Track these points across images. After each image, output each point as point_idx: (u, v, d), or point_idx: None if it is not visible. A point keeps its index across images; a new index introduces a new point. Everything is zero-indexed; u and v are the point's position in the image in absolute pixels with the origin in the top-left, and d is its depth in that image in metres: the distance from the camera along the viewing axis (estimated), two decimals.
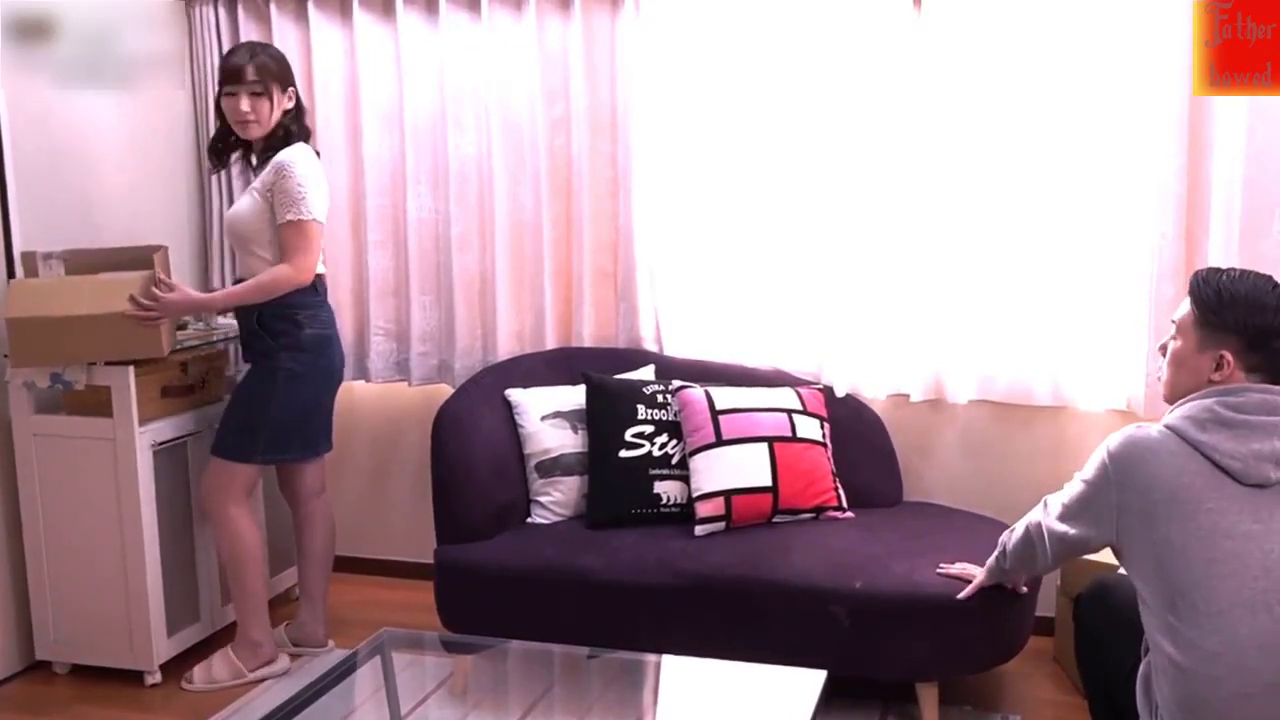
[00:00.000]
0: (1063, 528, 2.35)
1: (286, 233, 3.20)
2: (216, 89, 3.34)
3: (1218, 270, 2.28)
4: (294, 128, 3.31)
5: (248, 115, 3.23)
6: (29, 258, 3.28)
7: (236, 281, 3.35)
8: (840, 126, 3.53)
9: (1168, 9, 3.18)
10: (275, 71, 3.27)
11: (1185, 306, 2.29)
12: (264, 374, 3.30)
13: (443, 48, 3.79)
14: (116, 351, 3.23)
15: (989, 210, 3.47)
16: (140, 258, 3.30)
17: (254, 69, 3.23)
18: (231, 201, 4.00)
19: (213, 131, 3.43)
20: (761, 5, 3.58)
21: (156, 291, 3.20)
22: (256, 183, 3.28)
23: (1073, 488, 2.33)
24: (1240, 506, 2.09)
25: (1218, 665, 2.04)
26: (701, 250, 3.78)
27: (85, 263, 3.32)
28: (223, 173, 4.01)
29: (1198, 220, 3.27)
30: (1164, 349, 2.33)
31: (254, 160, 3.37)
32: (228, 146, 3.39)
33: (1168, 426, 2.20)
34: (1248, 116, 3.16)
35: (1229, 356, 2.19)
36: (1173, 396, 2.28)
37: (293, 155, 3.24)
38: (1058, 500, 2.39)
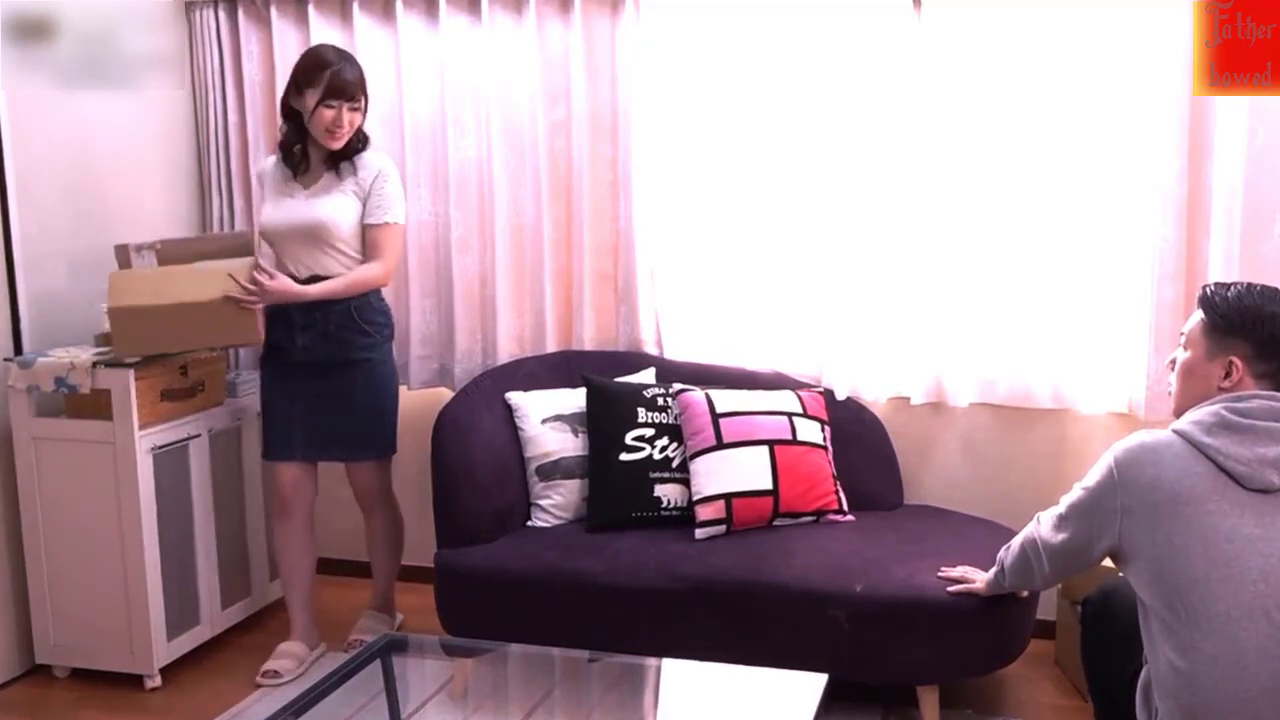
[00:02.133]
0: (1059, 537, 2.38)
1: (380, 234, 3.35)
2: (299, 92, 3.28)
3: (1225, 283, 2.32)
4: (364, 131, 3.40)
5: (343, 131, 3.29)
6: (122, 250, 3.28)
7: (309, 279, 3.34)
8: (840, 129, 3.53)
9: (1168, 13, 3.17)
10: (365, 84, 3.37)
11: (1194, 318, 2.31)
12: (379, 368, 3.44)
13: (443, 50, 3.79)
14: (215, 338, 3.34)
15: (989, 213, 3.47)
16: (232, 244, 3.34)
17: (360, 86, 3.31)
18: (232, 202, 4.03)
19: (280, 132, 3.40)
20: (762, 9, 3.57)
21: (258, 277, 3.22)
22: (349, 185, 3.34)
23: (1070, 496, 2.36)
24: (1242, 511, 2.09)
25: (1216, 669, 2.04)
26: (702, 253, 3.78)
27: (178, 253, 3.31)
28: (221, 173, 4.02)
29: (1198, 223, 3.27)
30: (1173, 364, 2.36)
31: (302, 163, 3.37)
32: (301, 149, 3.37)
33: (1175, 431, 2.21)
34: (1248, 119, 3.16)
35: (1238, 362, 2.21)
36: (1181, 409, 2.29)
37: (387, 162, 3.43)
38: (1051, 513, 2.43)
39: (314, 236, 3.33)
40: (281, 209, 3.37)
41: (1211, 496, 2.11)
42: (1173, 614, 2.09)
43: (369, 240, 3.36)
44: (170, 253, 3.31)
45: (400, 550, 3.71)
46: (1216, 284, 2.33)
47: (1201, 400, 2.23)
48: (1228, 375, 2.22)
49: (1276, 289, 2.27)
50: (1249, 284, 2.29)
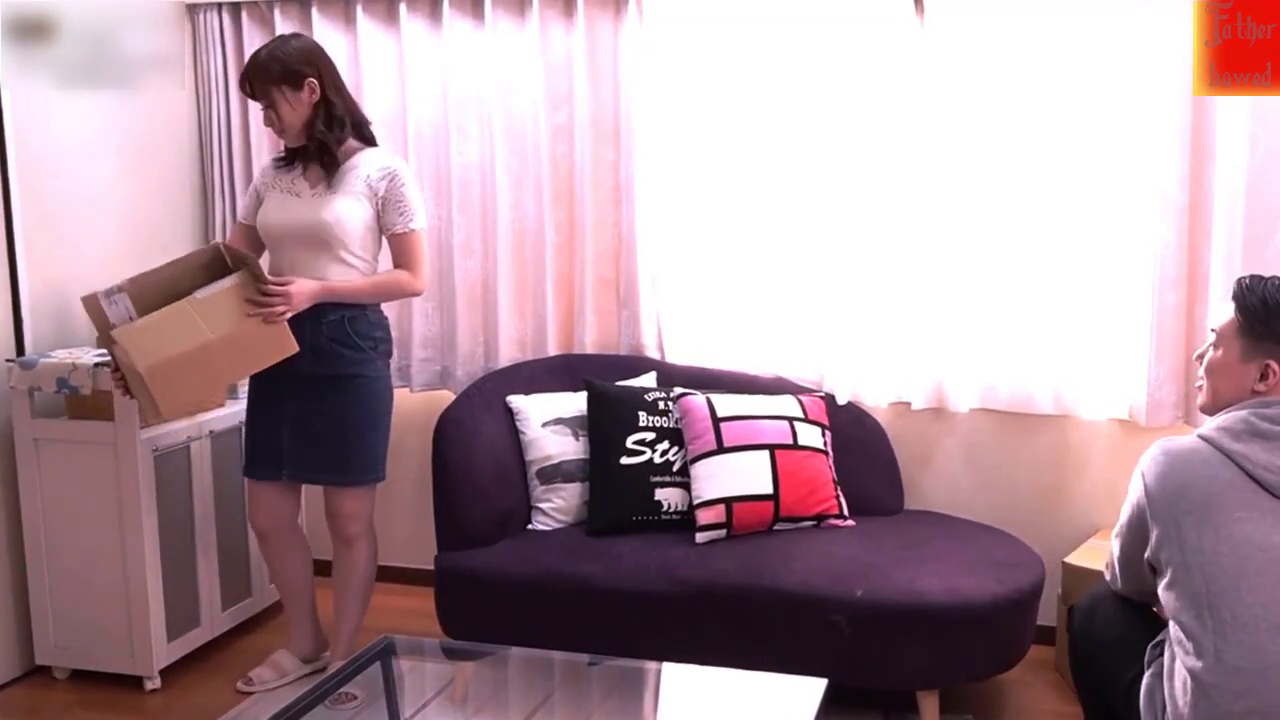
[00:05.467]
0: (1114, 550, 2.35)
1: (408, 241, 3.17)
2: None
3: (1261, 278, 2.22)
4: (348, 120, 3.18)
5: (280, 127, 3.13)
6: (91, 301, 2.97)
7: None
8: (843, 135, 3.53)
9: (1170, 18, 3.18)
10: (276, 74, 3.08)
11: (1226, 314, 2.24)
12: (361, 389, 3.19)
13: (446, 55, 3.80)
14: (256, 363, 3.04)
15: (991, 219, 3.47)
16: (202, 261, 3.06)
17: (251, 86, 3.10)
18: (234, 203, 4.02)
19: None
20: (764, 15, 3.58)
21: (275, 288, 2.98)
22: (357, 185, 3.13)
23: (1122, 511, 2.31)
24: (1274, 519, 2.06)
25: (1238, 680, 2.00)
26: (704, 257, 3.78)
27: (153, 286, 2.99)
28: (224, 175, 4.03)
29: (1200, 230, 3.27)
30: (1201, 358, 2.30)
31: (297, 160, 3.19)
32: (301, 151, 3.18)
33: (1201, 436, 2.17)
34: (1250, 125, 3.16)
35: (1275, 366, 2.16)
36: (1214, 408, 2.24)
37: (399, 163, 3.25)
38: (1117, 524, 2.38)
39: (317, 239, 3.11)
40: (283, 208, 3.16)
41: (1241, 505, 2.07)
42: (1199, 623, 2.05)
43: (397, 249, 3.18)
44: (144, 289, 2.98)
45: (371, 590, 3.43)
46: (1251, 278, 2.23)
47: (1234, 401, 2.19)
48: (1263, 378, 2.17)
49: None
50: None
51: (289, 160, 3.24)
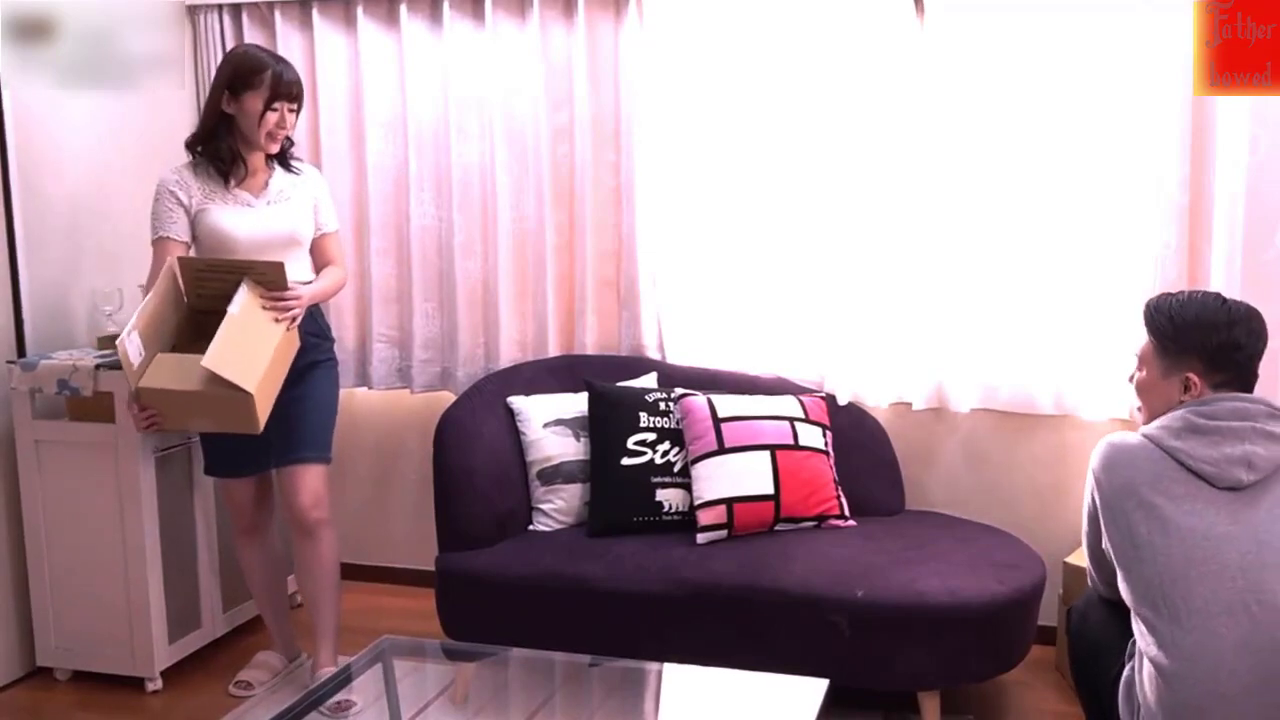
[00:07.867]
0: (1083, 545, 2.42)
1: (336, 239, 3.41)
2: (235, 95, 3.09)
3: (1166, 296, 2.36)
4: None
5: (284, 133, 3.19)
6: (120, 346, 2.86)
7: None
8: (843, 136, 3.53)
9: (1171, 19, 3.18)
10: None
11: (1143, 338, 2.36)
12: (330, 372, 3.34)
13: (446, 56, 3.80)
14: (289, 361, 3.11)
15: (992, 219, 3.48)
16: (173, 285, 3.02)
17: (302, 86, 3.22)
18: None
19: (198, 130, 3.18)
20: (765, 16, 3.58)
21: (291, 293, 3.07)
22: (304, 190, 3.26)
23: (1082, 510, 2.40)
24: (1216, 509, 2.14)
25: (1197, 666, 2.06)
26: (704, 258, 3.78)
27: (151, 324, 2.94)
28: None
29: (1200, 231, 3.27)
30: (1132, 378, 2.42)
31: (240, 168, 3.17)
32: (233, 154, 3.16)
33: (1144, 435, 2.26)
34: (1251, 127, 3.16)
35: (1194, 378, 2.26)
36: (1151, 422, 2.33)
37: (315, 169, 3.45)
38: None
39: (291, 244, 3.22)
40: (242, 218, 3.16)
41: (1185, 497, 2.15)
42: (1155, 613, 2.12)
43: (328, 247, 3.33)
44: (146, 325, 2.93)
45: (341, 583, 3.37)
46: (1157, 299, 2.36)
47: (1166, 413, 2.28)
48: (1187, 390, 2.27)
49: (1217, 295, 2.32)
50: (1189, 294, 2.33)
51: (215, 170, 3.18)
